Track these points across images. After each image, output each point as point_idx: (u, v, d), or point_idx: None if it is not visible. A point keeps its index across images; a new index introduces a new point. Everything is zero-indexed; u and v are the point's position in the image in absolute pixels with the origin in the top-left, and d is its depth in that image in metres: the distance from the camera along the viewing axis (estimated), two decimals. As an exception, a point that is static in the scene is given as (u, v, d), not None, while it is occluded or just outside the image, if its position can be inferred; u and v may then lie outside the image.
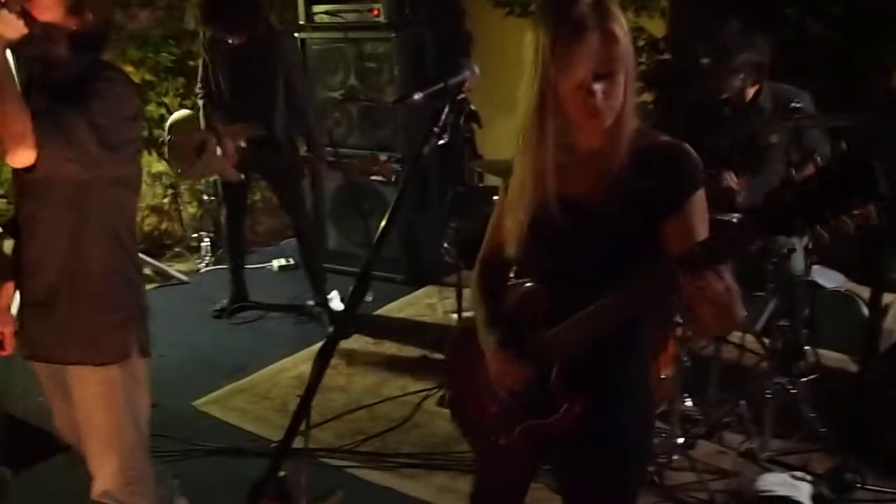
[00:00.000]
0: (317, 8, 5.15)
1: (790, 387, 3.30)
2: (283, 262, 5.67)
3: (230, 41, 4.25)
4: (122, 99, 2.13)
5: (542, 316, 1.72)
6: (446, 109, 1.56)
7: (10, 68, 1.99)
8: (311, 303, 4.83)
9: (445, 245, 5.61)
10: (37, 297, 2.22)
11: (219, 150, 4.24)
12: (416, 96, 1.51)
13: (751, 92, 3.50)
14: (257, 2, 4.33)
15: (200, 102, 4.55)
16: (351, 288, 1.50)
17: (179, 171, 4.62)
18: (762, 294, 3.36)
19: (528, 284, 1.78)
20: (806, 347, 3.43)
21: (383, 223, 1.50)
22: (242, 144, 4.24)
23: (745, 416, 3.31)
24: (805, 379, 3.41)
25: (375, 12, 4.98)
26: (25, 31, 2.01)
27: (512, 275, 1.90)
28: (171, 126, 4.54)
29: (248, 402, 3.91)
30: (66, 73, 2.12)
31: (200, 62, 4.59)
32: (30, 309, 2.26)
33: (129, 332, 2.27)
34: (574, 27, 1.48)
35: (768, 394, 3.21)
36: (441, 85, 1.54)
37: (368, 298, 4.99)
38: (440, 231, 5.62)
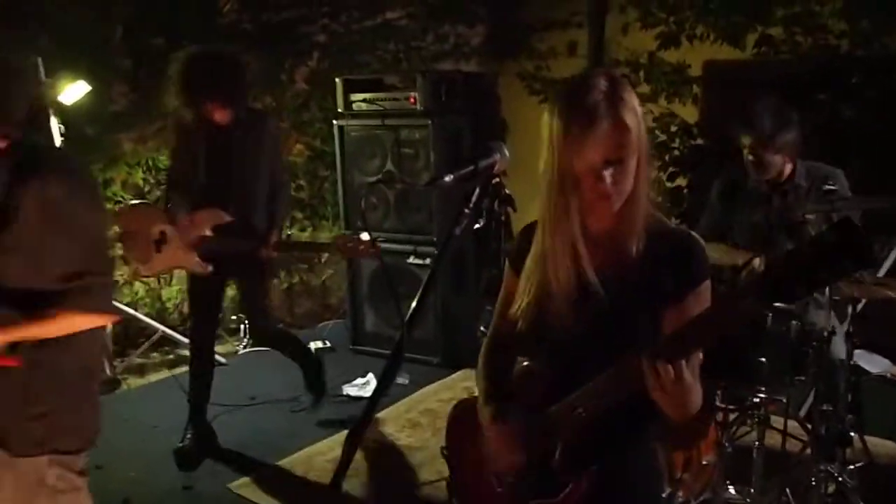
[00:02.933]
0: (355, 96, 5.30)
1: (837, 474, 3.20)
2: (320, 344, 5.69)
3: (217, 119, 3.84)
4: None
5: (543, 395, 1.72)
6: (477, 191, 1.59)
7: None
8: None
9: (482, 328, 5.63)
10: None
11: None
12: (447, 178, 1.54)
13: (787, 169, 3.51)
14: (245, 76, 4.02)
15: (161, 191, 4.06)
16: (383, 369, 1.51)
17: (137, 268, 4.04)
18: (803, 379, 3.29)
19: (527, 363, 1.79)
20: (852, 434, 3.33)
21: (414, 303, 1.52)
22: (207, 232, 3.82)
23: (790, 505, 3.20)
24: (852, 466, 3.30)
25: (412, 100, 5.12)
26: None
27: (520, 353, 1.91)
28: (122, 216, 4.09)
29: (284, 485, 3.87)
30: None
31: (171, 150, 4.14)
32: None
33: (44, 427, 2.12)
34: (587, 115, 1.51)
35: (814, 481, 3.11)
36: (471, 167, 1.57)
37: (405, 381, 4.98)
38: (476, 313, 5.64)
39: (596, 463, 1.68)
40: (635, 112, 1.54)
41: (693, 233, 1.65)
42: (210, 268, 3.87)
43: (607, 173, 1.54)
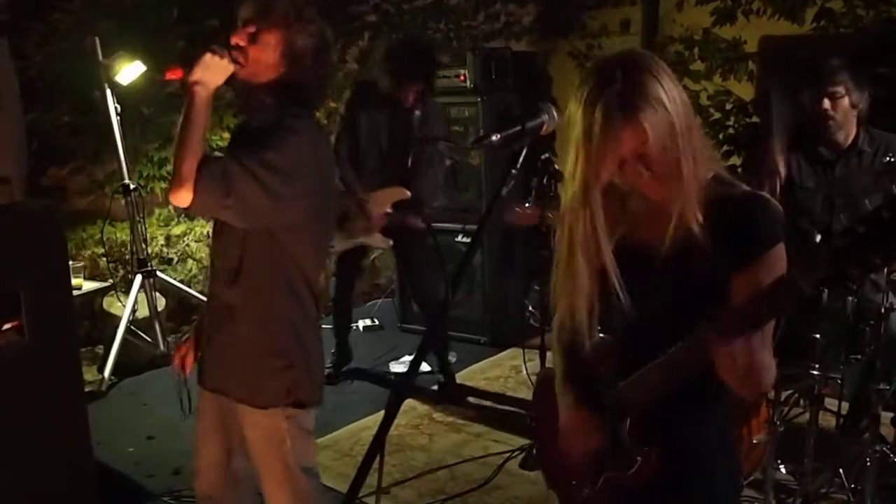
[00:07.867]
0: (405, 74, 5.30)
1: (892, 455, 3.12)
2: (368, 322, 5.73)
3: (407, 99, 4.15)
4: (297, 150, 2.05)
5: (615, 368, 1.70)
6: (524, 152, 1.57)
7: (206, 112, 2.03)
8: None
9: (530, 308, 5.61)
10: (210, 328, 2.26)
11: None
12: (494, 137, 1.52)
13: (853, 133, 3.45)
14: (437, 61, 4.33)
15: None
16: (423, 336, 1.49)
17: None
18: (859, 357, 3.22)
19: (601, 336, 1.76)
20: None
21: (457, 267, 1.51)
22: (388, 210, 4.11)
23: (844, 486, 3.14)
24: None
25: (462, 78, 5.11)
26: (231, 70, 2.05)
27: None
28: None
29: (331, 458, 3.92)
30: (259, 120, 2.13)
31: (342, 123, 4.40)
32: (205, 338, 2.29)
33: (289, 379, 2.20)
34: (602, 122, 1.44)
35: (868, 462, 3.04)
36: (519, 127, 1.54)
37: (453, 360, 5.00)
38: (525, 293, 5.63)
39: (665, 439, 1.65)
40: (658, 99, 1.45)
41: (764, 195, 1.56)
42: (391, 242, 4.20)
43: (634, 167, 1.49)
